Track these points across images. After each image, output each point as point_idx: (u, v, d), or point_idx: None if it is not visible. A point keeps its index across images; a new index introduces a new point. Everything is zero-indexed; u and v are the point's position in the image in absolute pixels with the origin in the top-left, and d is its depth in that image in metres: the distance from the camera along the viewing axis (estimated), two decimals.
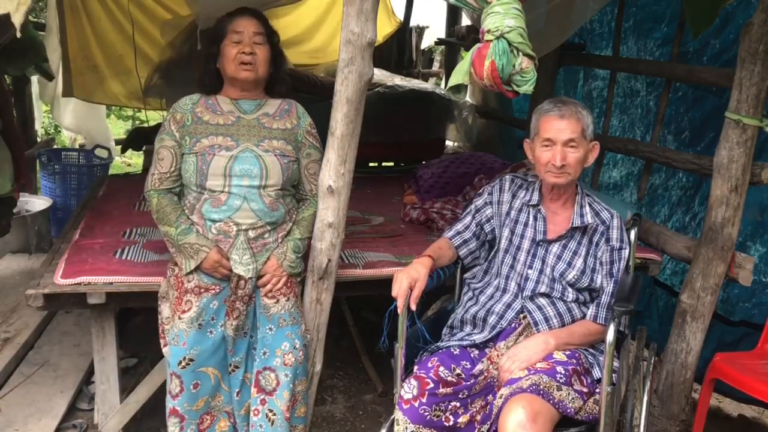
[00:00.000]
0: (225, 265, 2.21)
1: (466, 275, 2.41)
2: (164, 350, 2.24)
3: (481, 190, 2.43)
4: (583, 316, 2.20)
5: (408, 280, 2.09)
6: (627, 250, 2.24)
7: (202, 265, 2.19)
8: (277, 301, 2.27)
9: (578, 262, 2.21)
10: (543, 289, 2.21)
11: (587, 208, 2.25)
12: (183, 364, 2.17)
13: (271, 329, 2.26)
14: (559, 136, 2.15)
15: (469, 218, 2.39)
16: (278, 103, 2.40)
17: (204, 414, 2.24)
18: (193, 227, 2.23)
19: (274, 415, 2.25)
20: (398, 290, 2.08)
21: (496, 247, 2.34)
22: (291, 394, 2.25)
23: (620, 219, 2.26)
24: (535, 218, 2.28)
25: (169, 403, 2.21)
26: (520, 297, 2.23)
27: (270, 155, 2.28)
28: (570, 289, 2.20)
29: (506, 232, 2.31)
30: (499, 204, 2.36)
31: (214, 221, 2.23)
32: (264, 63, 2.30)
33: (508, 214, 2.33)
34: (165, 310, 2.28)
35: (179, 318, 2.18)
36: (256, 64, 2.27)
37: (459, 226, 2.39)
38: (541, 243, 2.25)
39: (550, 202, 2.29)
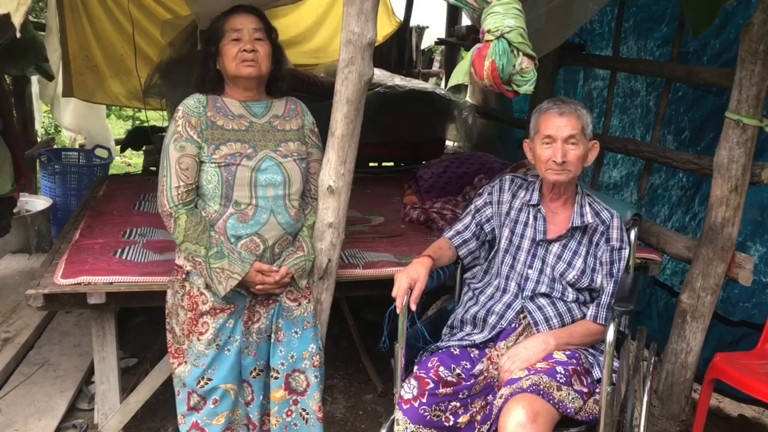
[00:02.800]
0: (257, 280, 2.16)
1: (466, 275, 2.41)
2: (178, 369, 2.21)
3: (481, 190, 2.43)
4: (583, 316, 2.20)
5: (408, 280, 2.09)
6: (627, 250, 2.24)
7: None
8: (299, 304, 2.28)
9: (578, 262, 2.21)
10: (543, 289, 2.21)
11: (587, 207, 2.25)
12: (202, 383, 2.18)
13: (296, 332, 2.26)
14: (559, 133, 2.16)
15: (468, 218, 2.39)
16: (284, 103, 2.35)
17: (225, 430, 2.23)
18: (224, 248, 2.14)
19: (308, 414, 2.28)
20: (397, 290, 2.08)
21: (496, 247, 2.33)
22: (320, 394, 2.29)
23: (620, 219, 2.26)
24: (535, 218, 2.28)
25: (192, 417, 2.21)
26: (520, 297, 2.23)
27: (289, 161, 2.24)
28: (570, 289, 2.20)
29: (506, 232, 2.31)
30: (499, 204, 2.36)
31: (239, 238, 2.18)
32: (266, 59, 2.22)
33: (508, 214, 2.33)
34: (175, 328, 2.24)
35: (197, 339, 2.17)
36: (259, 60, 2.19)
37: (459, 226, 2.39)
38: (541, 243, 2.25)
39: (550, 202, 2.29)
